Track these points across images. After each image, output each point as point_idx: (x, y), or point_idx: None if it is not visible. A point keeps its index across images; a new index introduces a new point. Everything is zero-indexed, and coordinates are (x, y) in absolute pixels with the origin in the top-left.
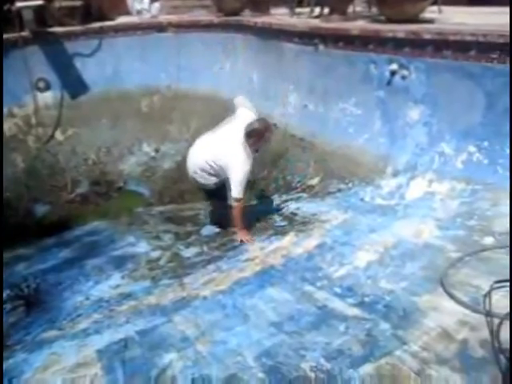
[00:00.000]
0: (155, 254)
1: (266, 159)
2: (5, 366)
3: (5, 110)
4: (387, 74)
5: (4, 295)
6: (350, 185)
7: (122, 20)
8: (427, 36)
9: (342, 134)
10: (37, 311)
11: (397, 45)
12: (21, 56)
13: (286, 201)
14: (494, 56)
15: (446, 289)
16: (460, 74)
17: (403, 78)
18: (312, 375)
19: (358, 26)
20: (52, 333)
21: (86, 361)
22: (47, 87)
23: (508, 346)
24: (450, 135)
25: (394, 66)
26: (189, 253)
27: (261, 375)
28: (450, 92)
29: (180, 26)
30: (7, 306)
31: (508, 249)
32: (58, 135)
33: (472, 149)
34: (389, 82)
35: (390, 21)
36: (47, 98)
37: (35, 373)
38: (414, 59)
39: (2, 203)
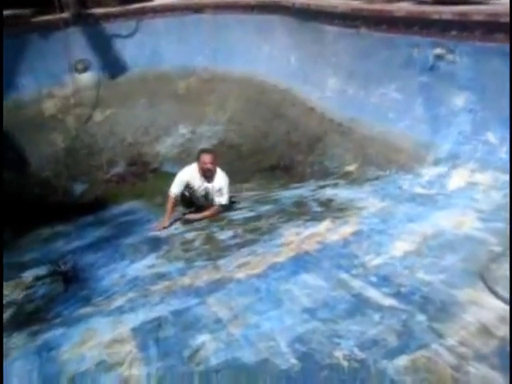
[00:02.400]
0: (190, 236)
1: (302, 144)
2: (44, 338)
3: (44, 90)
4: (431, 58)
5: (43, 271)
6: (389, 172)
7: (160, 1)
8: (477, 17)
9: (382, 119)
10: (74, 287)
11: (443, 27)
12: (61, 38)
13: (323, 186)
14: None
15: (486, 283)
16: (508, 59)
17: (448, 62)
18: (345, 364)
19: (402, 7)
20: (88, 309)
21: (121, 337)
22: (86, 68)
23: None
24: (495, 123)
25: (439, 50)
26: (223, 235)
27: (293, 361)
28: (498, 78)
29: (218, 7)
30: (46, 281)
31: None
32: (97, 115)
33: None
34: (432, 67)
35: (437, 2)
36: (86, 78)
37: (73, 347)
38: (461, 43)
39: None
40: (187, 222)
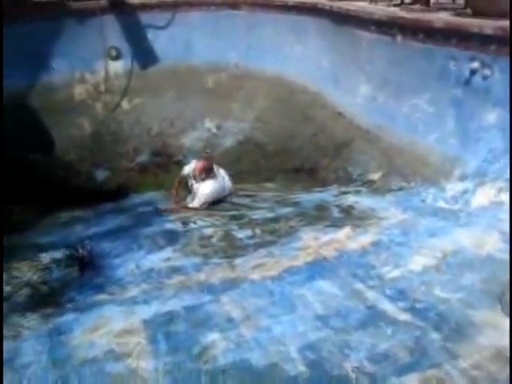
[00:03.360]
0: (208, 232)
1: (328, 148)
2: (56, 322)
3: (77, 75)
4: (467, 72)
5: (60, 254)
6: (413, 184)
7: None
8: None
9: (411, 130)
10: (89, 273)
11: (482, 41)
12: (97, 24)
13: (345, 193)
14: None
15: (503, 306)
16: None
17: (484, 77)
18: (354, 376)
19: (441, 18)
20: (102, 296)
21: (132, 328)
22: (119, 56)
23: None
24: None
25: (476, 65)
26: (241, 234)
27: (302, 368)
28: None
29: (254, 5)
30: (62, 265)
31: None
32: (125, 104)
33: None
34: (467, 81)
35: (476, 14)
36: (118, 66)
37: (83, 333)
38: (500, 58)
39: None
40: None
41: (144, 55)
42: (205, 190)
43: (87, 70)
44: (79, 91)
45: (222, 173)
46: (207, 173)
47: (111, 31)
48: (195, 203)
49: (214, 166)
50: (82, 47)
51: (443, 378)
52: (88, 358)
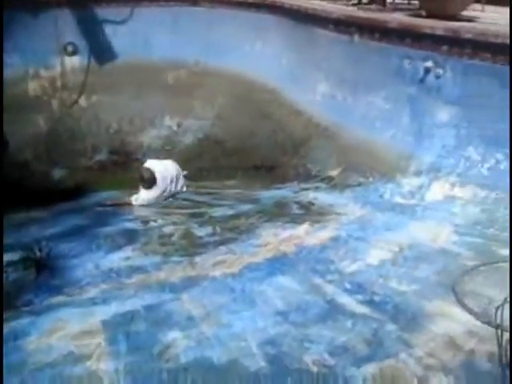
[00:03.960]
0: (168, 230)
1: (287, 145)
2: (12, 326)
3: (31, 70)
4: (421, 70)
5: (16, 256)
6: (371, 180)
7: None
8: (467, 35)
9: (368, 127)
10: (46, 275)
11: (434, 42)
12: (51, 18)
13: (305, 189)
14: None
15: (457, 297)
16: (497, 79)
17: (437, 76)
18: (314, 369)
19: (396, 18)
20: (60, 298)
21: (91, 329)
22: (75, 51)
23: None
24: (478, 140)
25: (429, 64)
26: (201, 232)
27: (263, 363)
28: (484, 96)
29: (213, 1)
30: (18, 267)
31: None
32: (82, 101)
33: (500, 156)
34: (422, 80)
35: (430, 16)
36: (74, 62)
37: (41, 336)
38: (451, 58)
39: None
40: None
41: (101, 51)
42: (142, 196)
43: (42, 65)
44: (34, 87)
45: (171, 171)
46: (146, 183)
47: (67, 25)
48: (135, 201)
49: (158, 172)
50: (36, 41)
51: (399, 366)
52: (46, 362)
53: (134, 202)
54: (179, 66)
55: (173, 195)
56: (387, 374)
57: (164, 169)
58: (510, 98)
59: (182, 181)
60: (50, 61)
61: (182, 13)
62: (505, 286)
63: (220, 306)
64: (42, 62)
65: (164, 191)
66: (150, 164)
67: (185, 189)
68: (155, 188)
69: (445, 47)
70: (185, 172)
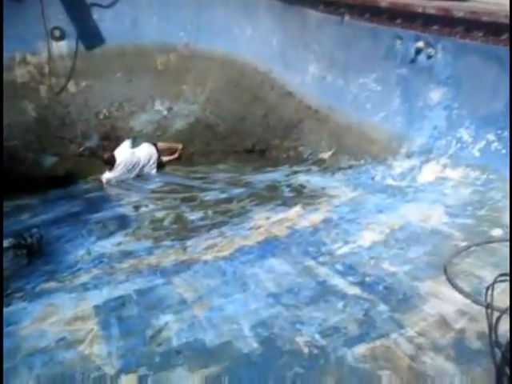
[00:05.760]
0: (159, 215)
1: (278, 128)
2: (4, 313)
3: (17, 56)
4: (412, 51)
5: (6, 243)
6: (362, 162)
7: None
8: (459, 14)
9: (359, 109)
10: (38, 261)
11: (426, 21)
12: (37, 1)
13: (296, 172)
14: None
15: (448, 277)
16: (488, 59)
17: (429, 57)
18: (306, 350)
19: None
20: (52, 284)
21: (83, 315)
22: (62, 36)
23: (504, 341)
24: (470, 121)
25: (421, 44)
26: (193, 216)
27: (255, 345)
28: (476, 76)
29: None
30: (9, 254)
31: None
32: (71, 86)
33: (491, 137)
34: (413, 60)
35: None
36: (62, 47)
37: (33, 322)
38: (442, 38)
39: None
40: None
41: (89, 35)
42: (105, 175)
43: (28, 50)
44: (21, 73)
45: (138, 155)
46: (107, 165)
47: (53, 9)
48: (103, 179)
49: (120, 156)
50: (22, 26)
51: (390, 346)
52: (39, 348)
53: (103, 180)
54: (169, 49)
55: (140, 176)
56: (378, 354)
57: (130, 153)
58: (510, 82)
59: (153, 163)
60: (36, 46)
61: None
62: (495, 266)
63: (212, 290)
64: (28, 48)
65: (126, 173)
66: (120, 148)
67: (154, 171)
68: (114, 170)
69: (436, 27)
70: (180, 146)
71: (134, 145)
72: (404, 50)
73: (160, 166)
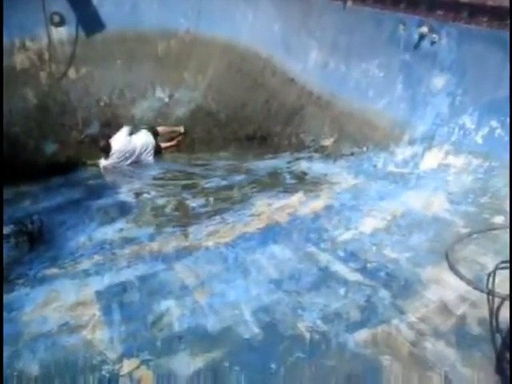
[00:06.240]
0: (161, 202)
1: (280, 115)
2: (6, 299)
3: (17, 42)
4: (416, 36)
5: (8, 230)
6: (364, 149)
7: None
8: None
9: (362, 95)
10: (40, 248)
11: (430, 6)
12: None
13: (298, 159)
14: None
15: (450, 263)
16: (493, 44)
17: (432, 42)
18: (307, 335)
19: None
20: (53, 270)
21: (85, 300)
22: (62, 22)
23: (505, 327)
24: (473, 108)
25: (424, 29)
26: (195, 203)
27: (256, 330)
28: (480, 62)
29: None
30: (11, 241)
31: None
32: (71, 73)
33: (494, 124)
34: (416, 46)
35: None
36: (61, 33)
37: (35, 308)
38: (446, 24)
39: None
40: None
41: (89, 21)
42: (102, 162)
43: (28, 36)
44: (21, 59)
45: (134, 143)
46: (102, 152)
47: None
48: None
49: (115, 143)
50: (21, 12)
51: (392, 332)
52: (41, 333)
53: (100, 166)
54: (169, 35)
55: (137, 162)
56: (379, 340)
57: (126, 140)
58: (510, 68)
59: (150, 151)
60: (36, 32)
61: None
62: (497, 253)
63: (213, 275)
64: (28, 34)
65: (121, 161)
66: (117, 135)
67: (151, 159)
68: (110, 158)
69: (440, 12)
70: (182, 129)
71: (134, 131)
72: (407, 36)
73: (158, 152)
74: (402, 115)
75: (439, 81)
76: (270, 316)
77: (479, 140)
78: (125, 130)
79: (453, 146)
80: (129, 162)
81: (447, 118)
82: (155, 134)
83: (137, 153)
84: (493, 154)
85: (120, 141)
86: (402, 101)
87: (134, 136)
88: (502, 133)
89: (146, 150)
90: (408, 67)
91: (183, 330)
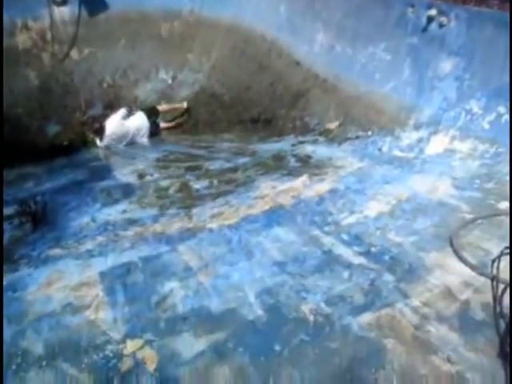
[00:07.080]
0: (164, 183)
1: (285, 97)
2: (10, 279)
3: (19, 22)
4: (424, 19)
5: (11, 210)
6: (370, 133)
7: None
8: None
9: (368, 79)
10: (43, 228)
11: None
12: None
13: (302, 142)
14: None
15: (454, 248)
16: (503, 28)
17: (441, 25)
18: (311, 318)
19: None
20: (57, 251)
21: (88, 281)
22: (64, 1)
23: (509, 312)
24: (481, 93)
25: (433, 12)
26: (198, 184)
27: (260, 312)
28: (489, 46)
29: None
30: (14, 221)
31: None
32: (74, 54)
33: (502, 110)
34: (424, 29)
35: None
36: (64, 12)
37: (39, 288)
38: (456, 6)
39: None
40: None
41: (92, 0)
42: (97, 143)
43: (30, 16)
44: (23, 39)
45: (127, 125)
46: (95, 134)
47: None
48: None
49: (108, 126)
50: None
51: (395, 315)
52: (45, 313)
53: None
54: (173, 16)
55: (131, 144)
56: (383, 323)
57: (119, 124)
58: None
59: (143, 134)
60: (38, 11)
61: None
62: (501, 239)
63: (217, 257)
64: (29, 13)
65: (115, 143)
66: (111, 118)
67: (145, 140)
68: (103, 140)
69: None
70: (185, 104)
71: (135, 111)
72: (415, 19)
73: (155, 134)
74: (409, 99)
75: (447, 65)
76: (274, 298)
77: (486, 125)
78: (120, 113)
79: (459, 131)
80: (122, 144)
81: (454, 102)
82: (156, 114)
83: (130, 136)
84: (499, 140)
85: (113, 123)
86: (408, 85)
87: (128, 119)
88: (508, 118)
89: (139, 133)
90: (415, 51)
91: (187, 311)
